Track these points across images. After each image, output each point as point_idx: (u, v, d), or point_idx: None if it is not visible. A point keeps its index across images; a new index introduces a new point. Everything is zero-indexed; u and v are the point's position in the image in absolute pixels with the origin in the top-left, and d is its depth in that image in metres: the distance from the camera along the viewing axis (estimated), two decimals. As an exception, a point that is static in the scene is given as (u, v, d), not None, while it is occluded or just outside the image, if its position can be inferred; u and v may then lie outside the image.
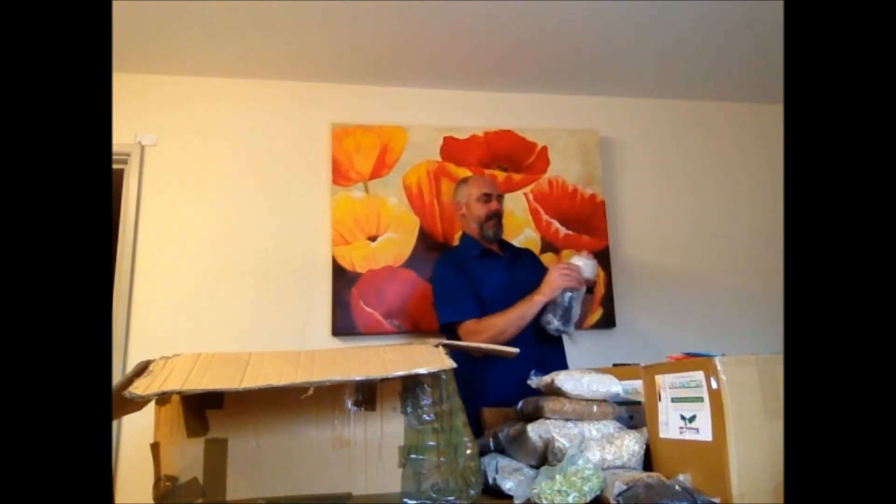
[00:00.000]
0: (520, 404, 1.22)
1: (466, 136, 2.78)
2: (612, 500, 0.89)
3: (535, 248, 2.66)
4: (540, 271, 2.10)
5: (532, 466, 1.09)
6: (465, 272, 1.95)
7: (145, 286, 2.45)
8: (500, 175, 2.77)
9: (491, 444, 1.20)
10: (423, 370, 0.89)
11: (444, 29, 2.43)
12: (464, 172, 2.74)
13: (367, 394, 0.96)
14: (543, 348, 1.89)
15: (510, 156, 2.81)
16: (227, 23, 2.34)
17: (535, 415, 1.15)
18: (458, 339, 1.88)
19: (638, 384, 1.14)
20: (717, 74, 2.87)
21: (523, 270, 2.02)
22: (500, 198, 2.11)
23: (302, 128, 2.73)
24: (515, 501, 0.96)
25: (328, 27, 2.39)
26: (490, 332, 1.80)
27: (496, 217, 2.06)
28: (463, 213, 2.12)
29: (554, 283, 1.80)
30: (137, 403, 0.99)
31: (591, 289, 1.96)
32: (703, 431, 0.90)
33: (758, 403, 0.88)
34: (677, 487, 0.87)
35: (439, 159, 2.74)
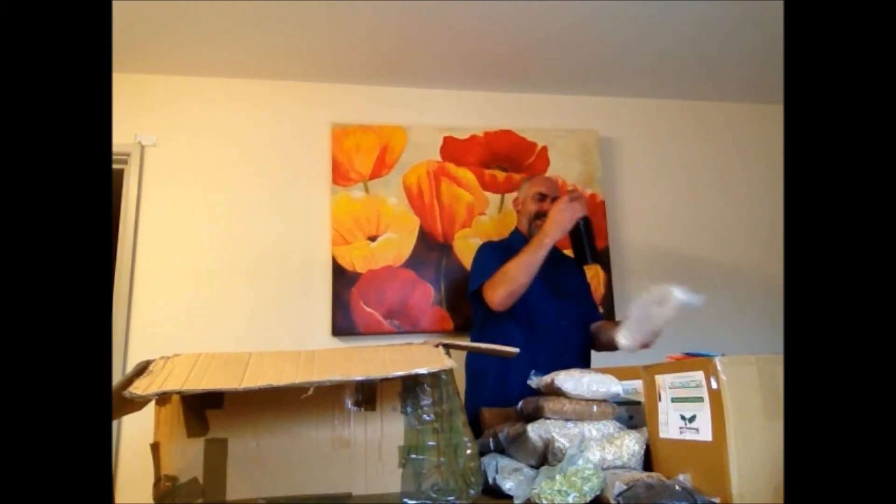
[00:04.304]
0: (520, 404, 1.22)
1: (466, 136, 2.78)
2: (612, 500, 0.89)
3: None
4: (579, 279, 2.15)
5: (532, 466, 1.09)
6: (504, 256, 1.96)
7: (145, 286, 2.45)
8: (500, 175, 2.77)
9: (491, 444, 1.20)
10: (423, 370, 0.88)
11: (444, 29, 2.43)
12: (464, 172, 2.74)
13: (367, 394, 0.96)
14: (561, 302, 1.97)
15: (510, 156, 2.80)
16: (227, 23, 2.34)
17: (535, 415, 1.15)
18: (484, 304, 1.90)
19: (638, 384, 1.14)
20: (717, 74, 2.87)
21: (561, 273, 2.04)
22: (555, 200, 2.06)
23: (302, 128, 2.73)
24: (515, 501, 0.96)
25: (328, 27, 2.39)
26: (505, 282, 1.82)
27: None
28: (518, 209, 2.17)
29: (560, 220, 1.80)
30: (137, 403, 0.99)
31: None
32: (703, 431, 0.90)
33: (758, 403, 0.88)
34: (677, 487, 0.87)
35: (439, 159, 2.74)
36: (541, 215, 2.04)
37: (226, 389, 0.83)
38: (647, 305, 1.43)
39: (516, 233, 2.17)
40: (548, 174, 2.81)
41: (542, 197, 2.09)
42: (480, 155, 2.78)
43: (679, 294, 1.36)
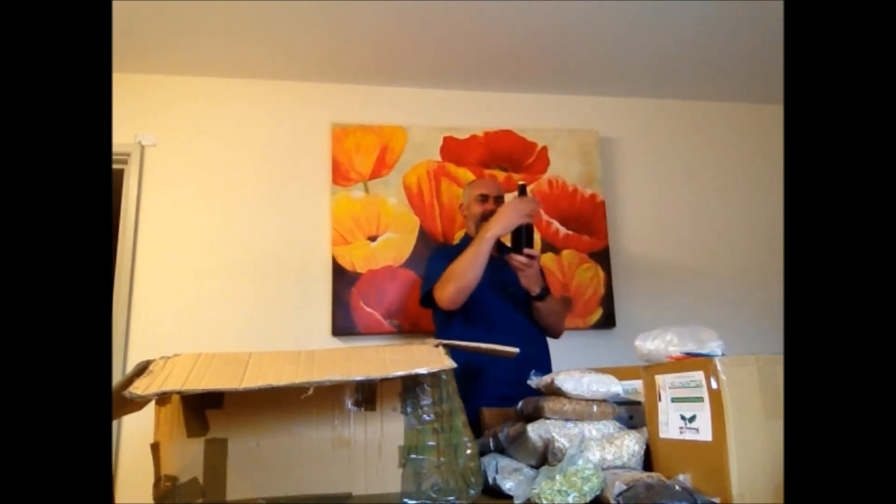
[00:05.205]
0: (520, 404, 1.22)
1: (466, 136, 2.78)
2: (612, 500, 0.89)
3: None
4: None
5: (532, 466, 1.09)
6: (451, 260, 1.95)
7: (145, 286, 2.45)
8: (500, 175, 2.77)
9: (491, 444, 1.20)
10: (423, 370, 0.88)
11: (444, 29, 2.43)
12: (464, 172, 2.74)
13: (367, 394, 0.96)
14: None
15: (510, 156, 2.81)
16: (227, 23, 2.34)
17: (535, 415, 1.15)
18: (438, 308, 1.92)
19: (638, 384, 1.14)
20: (717, 74, 2.87)
21: (511, 272, 1.98)
22: (498, 199, 2.11)
23: (302, 128, 2.73)
24: (515, 501, 0.96)
25: (328, 27, 2.39)
26: (453, 280, 1.83)
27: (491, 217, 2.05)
28: (465, 214, 2.17)
29: (507, 219, 1.80)
30: (137, 403, 0.99)
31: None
32: (703, 431, 0.90)
33: (758, 403, 0.88)
34: (677, 487, 0.87)
35: (439, 159, 2.74)
36: (486, 216, 2.02)
37: (226, 389, 0.83)
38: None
39: (466, 238, 2.15)
40: (548, 174, 2.81)
41: (484, 198, 2.09)
42: (480, 155, 2.78)
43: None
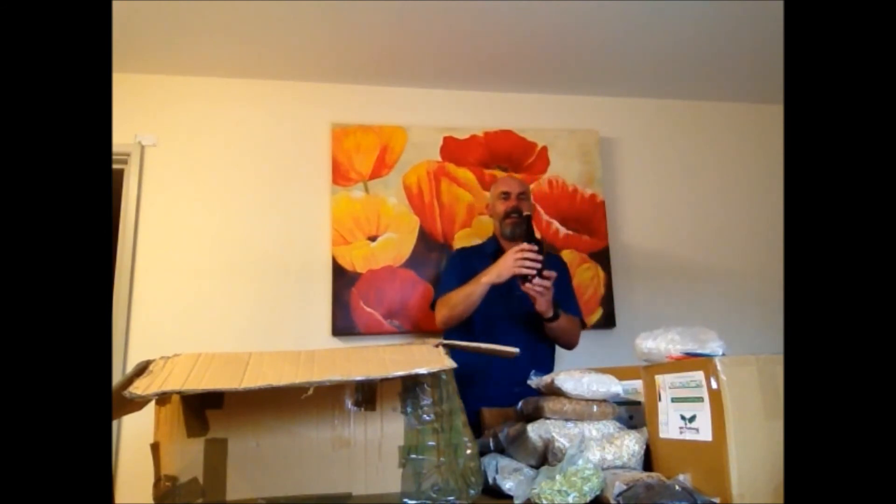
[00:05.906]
0: (520, 404, 1.22)
1: (466, 136, 2.78)
2: (612, 500, 0.89)
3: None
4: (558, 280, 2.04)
5: (532, 466, 1.09)
6: (468, 265, 1.98)
7: (145, 286, 2.45)
8: (501, 175, 2.76)
9: (491, 444, 1.20)
10: (423, 370, 0.89)
11: (444, 29, 2.43)
12: (464, 172, 2.74)
13: (367, 394, 0.96)
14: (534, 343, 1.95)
15: (510, 156, 2.80)
16: (227, 23, 2.34)
17: (535, 415, 1.15)
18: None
19: (638, 384, 1.14)
20: (717, 74, 2.87)
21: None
22: (521, 196, 2.09)
23: (302, 128, 2.73)
24: (515, 501, 0.96)
25: (328, 27, 2.39)
26: (447, 306, 1.93)
27: (514, 215, 2.05)
28: (490, 213, 2.20)
29: (503, 268, 1.78)
30: (137, 403, 0.99)
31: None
32: (703, 431, 0.90)
33: (758, 403, 0.88)
34: (677, 487, 0.87)
35: (439, 159, 2.74)
36: (509, 214, 2.06)
37: (226, 389, 0.83)
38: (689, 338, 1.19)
39: (493, 238, 2.16)
40: (548, 174, 2.81)
41: (505, 195, 2.10)
42: (480, 155, 2.78)
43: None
